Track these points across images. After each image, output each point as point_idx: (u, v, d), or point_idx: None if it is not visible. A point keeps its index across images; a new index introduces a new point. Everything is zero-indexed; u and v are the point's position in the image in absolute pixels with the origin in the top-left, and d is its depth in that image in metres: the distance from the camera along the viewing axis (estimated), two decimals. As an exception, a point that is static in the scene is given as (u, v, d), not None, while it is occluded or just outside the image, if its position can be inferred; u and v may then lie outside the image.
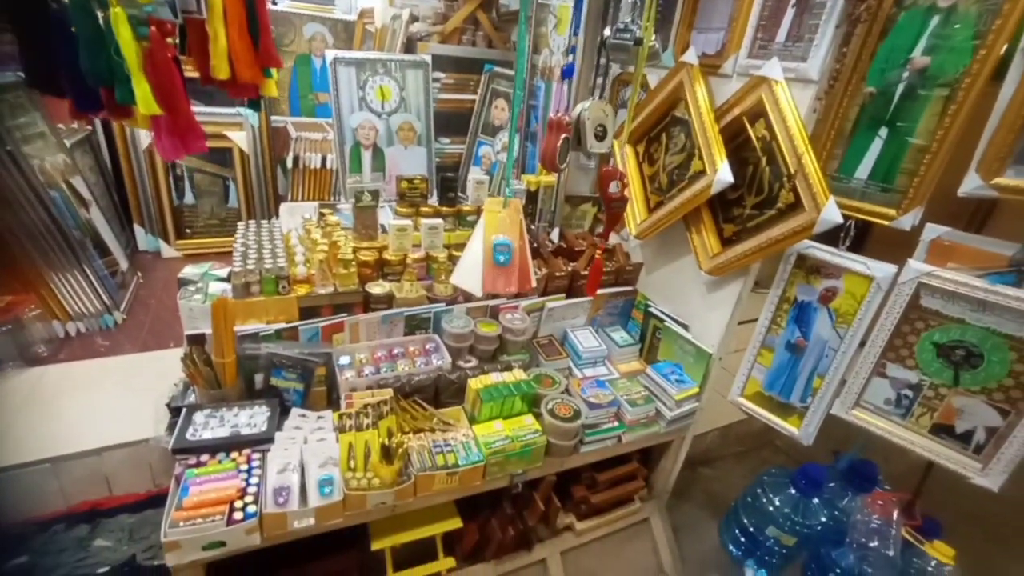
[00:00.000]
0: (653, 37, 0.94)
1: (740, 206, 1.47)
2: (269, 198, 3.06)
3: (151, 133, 0.89)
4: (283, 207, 2.28)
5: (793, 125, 1.25)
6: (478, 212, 1.90)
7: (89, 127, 2.72)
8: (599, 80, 1.02)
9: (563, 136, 0.96)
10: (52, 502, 1.49)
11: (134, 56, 0.78)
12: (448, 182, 1.84)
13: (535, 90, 2.18)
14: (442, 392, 1.49)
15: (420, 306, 1.57)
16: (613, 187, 1.09)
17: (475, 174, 2.50)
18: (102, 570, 1.33)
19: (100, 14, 0.76)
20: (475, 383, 1.45)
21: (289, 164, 2.78)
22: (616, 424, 1.57)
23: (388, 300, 1.55)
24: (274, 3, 3.17)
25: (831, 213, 1.16)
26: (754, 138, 1.41)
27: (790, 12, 1.28)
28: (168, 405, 1.48)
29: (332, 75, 2.21)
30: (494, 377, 1.49)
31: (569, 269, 1.78)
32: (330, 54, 2.20)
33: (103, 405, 1.70)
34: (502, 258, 0.92)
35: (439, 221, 1.71)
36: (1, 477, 1.41)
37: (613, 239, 2.09)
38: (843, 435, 1.42)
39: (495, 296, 1.56)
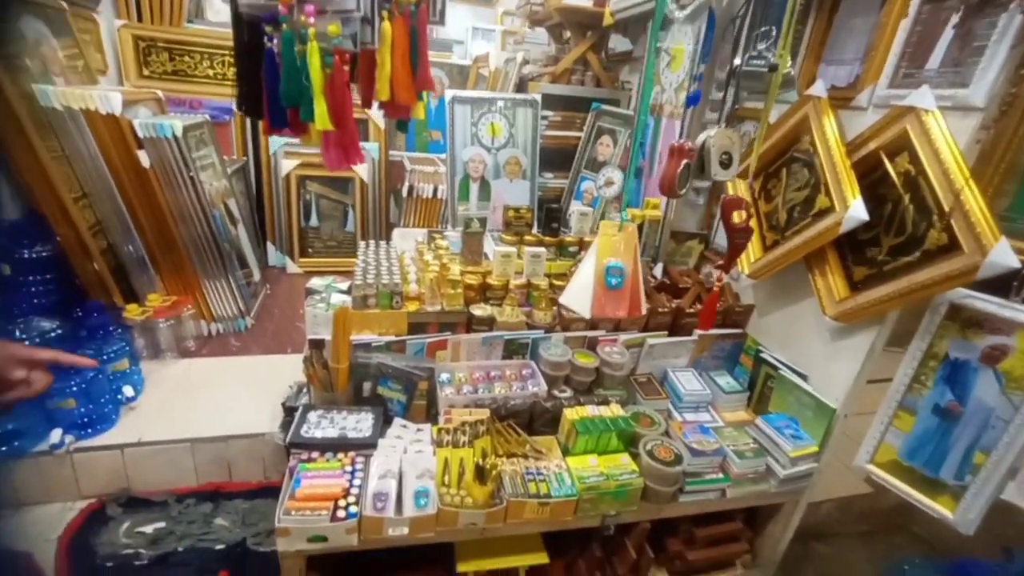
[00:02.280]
0: (789, 63, 0.90)
1: (875, 247, 1.34)
2: (381, 224, 3.32)
3: (321, 147, 1.03)
4: (396, 232, 2.45)
5: (948, 158, 1.12)
6: (580, 243, 1.91)
7: (245, 158, 3.17)
8: (725, 108, 0.99)
9: (684, 162, 0.94)
10: (186, 478, 1.68)
11: (319, 81, 0.92)
12: (552, 213, 1.87)
13: (643, 126, 2.19)
14: (536, 419, 1.48)
15: (519, 331, 1.59)
16: (737, 217, 1.04)
17: (577, 207, 2.54)
18: (220, 547, 1.46)
19: (298, 47, 0.91)
20: (571, 414, 1.43)
21: (404, 193, 3.01)
22: (720, 476, 1.45)
23: (489, 323, 1.59)
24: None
25: (1002, 256, 1.01)
26: (894, 173, 1.29)
27: (947, 35, 1.17)
28: (283, 405, 1.63)
29: (449, 112, 2.39)
30: (590, 410, 1.46)
31: (673, 306, 1.72)
32: (449, 93, 2.38)
33: (232, 398, 1.90)
34: (614, 281, 0.91)
35: (542, 250, 1.74)
36: (154, 449, 1.62)
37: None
38: (1019, 530, 1.18)
39: (595, 327, 1.54)
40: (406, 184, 2.95)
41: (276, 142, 3.15)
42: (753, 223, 1.10)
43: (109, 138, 2.05)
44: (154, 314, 2.09)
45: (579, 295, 0.94)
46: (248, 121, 3.21)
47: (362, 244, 1.77)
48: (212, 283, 2.38)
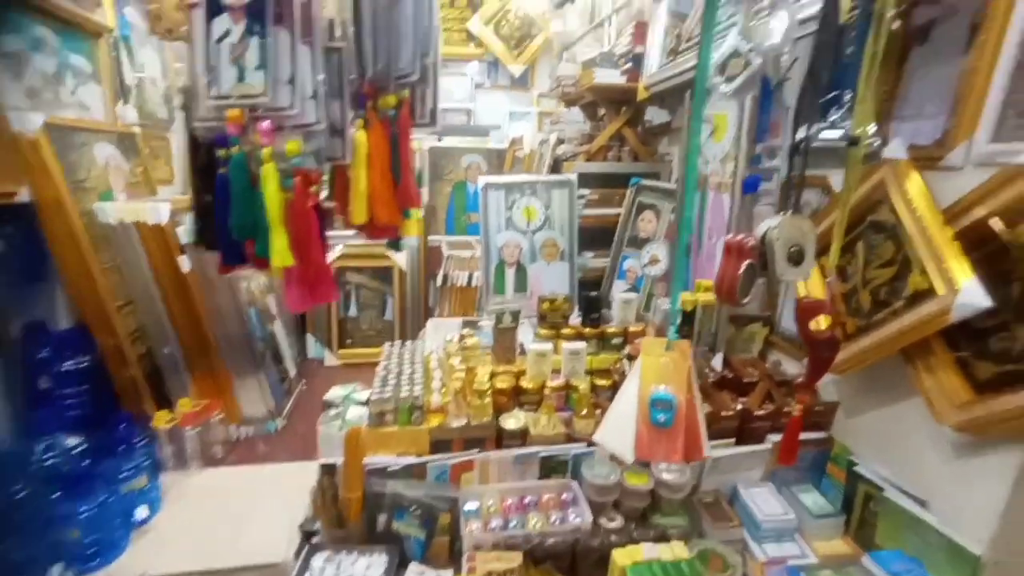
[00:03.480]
0: (871, 132, 0.72)
1: (1005, 338, 1.05)
2: (421, 312, 3.25)
3: (283, 284, 0.92)
4: (430, 323, 2.34)
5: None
6: (625, 334, 1.71)
7: (288, 253, 3.25)
8: (790, 194, 0.80)
9: (746, 262, 0.76)
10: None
11: (276, 208, 0.82)
12: (592, 302, 1.69)
13: (690, 201, 2.02)
14: (580, 561, 1.22)
15: (557, 445, 1.37)
16: (817, 324, 0.82)
17: (620, 290, 2.34)
18: None
19: (256, 170, 0.82)
20: (621, 557, 1.15)
21: (439, 282, 2.94)
22: (827, 645, 1.10)
23: (523, 436, 1.38)
24: (439, 140, 3.63)
25: None
26: (1017, 246, 1.03)
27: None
28: (300, 528, 1.45)
29: (483, 199, 2.34)
30: (645, 551, 1.18)
31: (739, 407, 1.45)
32: (482, 180, 2.34)
33: (252, 514, 1.75)
34: (662, 417, 0.70)
35: (582, 345, 1.55)
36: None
37: (794, 368, 1.70)
38: None
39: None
40: (440, 272, 2.88)
41: (318, 235, 3.23)
42: (829, 320, 0.86)
43: (155, 246, 2.12)
44: (182, 421, 2.03)
45: (618, 432, 0.74)
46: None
47: (386, 347, 1.64)
48: (243, 383, 2.32)
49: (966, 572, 1.08)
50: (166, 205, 2.14)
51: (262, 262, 0.92)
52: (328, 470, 1.28)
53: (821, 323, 0.81)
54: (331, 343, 3.21)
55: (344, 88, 0.84)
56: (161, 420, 1.99)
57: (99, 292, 1.99)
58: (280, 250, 0.84)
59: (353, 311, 3.26)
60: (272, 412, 2.36)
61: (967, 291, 1.04)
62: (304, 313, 3.30)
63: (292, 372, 2.76)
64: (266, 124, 0.79)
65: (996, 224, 1.05)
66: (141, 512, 1.67)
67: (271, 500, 1.84)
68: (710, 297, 1.71)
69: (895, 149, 1.23)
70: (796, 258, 0.76)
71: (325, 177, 1.02)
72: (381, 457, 1.30)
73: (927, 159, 1.22)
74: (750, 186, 0.91)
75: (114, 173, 2.30)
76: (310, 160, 0.85)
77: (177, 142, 3.13)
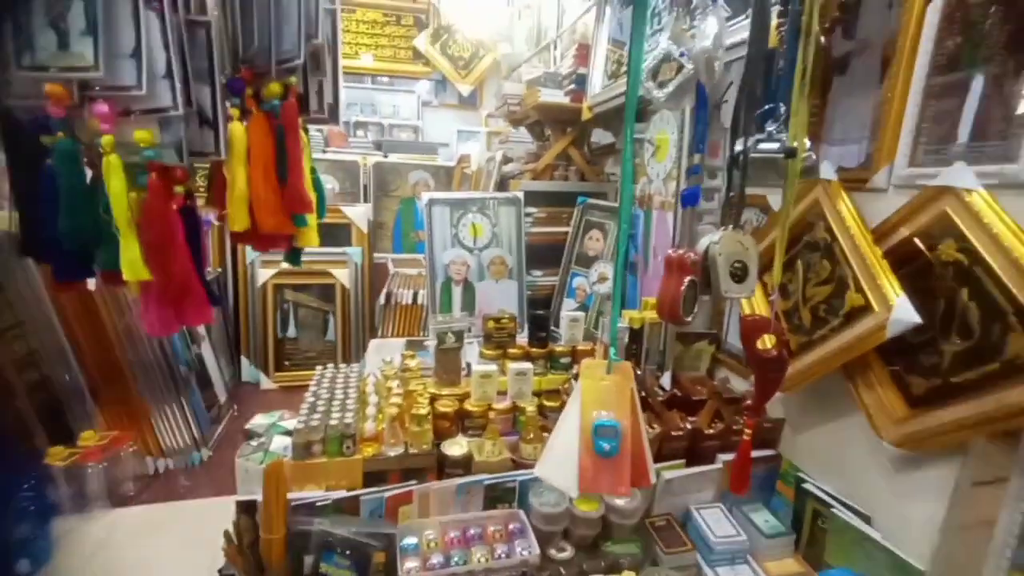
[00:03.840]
0: (807, 146, 0.72)
1: (933, 353, 1.08)
2: (365, 331, 3.10)
3: (140, 302, 0.78)
4: (372, 344, 2.22)
5: (1017, 245, 0.90)
6: (573, 353, 1.67)
7: (220, 269, 3.03)
8: (732, 206, 0.78)
9: (687, 279, 0.72)
10: None
11: (124, 211, 0.69)
12: (539, 320, 1.64)
13: (633, 219, 2.04)
14: (527, 598, 1.13)
15: (503, 473, 1.29)
16: (763, 343, 0.80)
17: (568, 308, 2.32)
18: None
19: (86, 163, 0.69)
20: (571, 592, 1.08)
21: (382, 300, 2.82)
22: (780, 673, 1.07)
23: (466, 464, 1.29)
24: (385, 157, 3.54)
25: None
26: (939, 264, 1.07)
27: (972, 107, 1.00)
28: (221, 572, 1.28)
29: (427, 215, 2.26)
30: (597, 583, 1.11)
31: (689, 427, 1.43)
32: (426, 196, 2.27)
33: (163, 562, 1.55)
34: (607, 446, 0.65)
35: (528, 365, 1.49)
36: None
37: (742, 385, 1.71)
38: None
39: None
40: (384, 290, 2.77)
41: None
42: (774, 339, 0.85)
43: (55, 261, 1.90)
44: (83, 456, 1.80)
45: (560, 465, 0.68)
46: (226, 231, 3.12)
47: (318, 371, 1.51)
48: (162, 412, 2.10)
49: (908, 587, 1.09)
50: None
51: (111, 276, 0.76)
52: (246, 508, 1.14)
53: (767, 342, 0.79)
54: (267, 366, 2.99)
55: (215, 71, 0.72)
56: (56, 457, 1.75)
57: (-20, 313, 1.74)
58: (131, 261, 0.69)
59: (292, 331, 3.06)
60: (196, 442, 2.15)
61: (899, 308, 1.06)
62: (237, 333, 3.07)
63: (222, 398, 2.54)
64: (103, 107, 0.65)
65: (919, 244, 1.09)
66: (22, 567, 1.44)
67: (188, 543, 1.64)
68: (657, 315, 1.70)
69: (826, 171, 1.27)
70: (740, 274, 0.74)
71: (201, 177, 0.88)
72: (307, 492, 1.17)
73: (855, 180, 1.27)
74: (689, 198, 0.89)
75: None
76: (170, 154, 0.71)
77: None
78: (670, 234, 1.71)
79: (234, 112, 0.78)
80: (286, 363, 3.08)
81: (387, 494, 1.20)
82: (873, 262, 1.15)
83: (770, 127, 0.72)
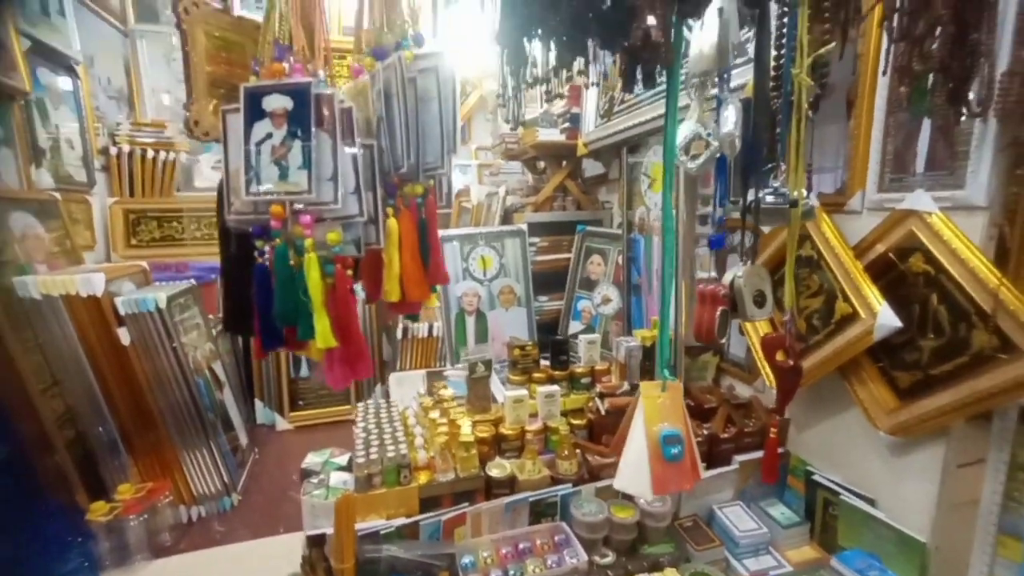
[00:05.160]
0: (806, 196, 0.88)
1: (914, 351, 1.25)
2: (376, 365, 3.18)
3: (323, 365, 0.93)
4: (393, 377, 2.32)
5: (971, 257, 1.08)
6: (592, 373, 1.80)
7: (230, 315, 3.10)
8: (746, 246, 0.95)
9: (720, 309, 0.88)
10: None
11: (319, 294, 0.85)
12: (559, 345, 1.78)
13: (632, 243, 2.21)
14: (581, 601, 1.24)
15: (544, 489, 1.40)
16: (781, 355, 0.95)
17: (576, 329, 2.46)
18: None
19: (294, 259, 0.85)
20: (623, 591, 1.20)
21: (399, 335, 2.92)
22: (812, 647, 1.19)
23: (510, 484, 1.41)
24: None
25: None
26: (911, 274, 1.25)
27: (924, 142, 1.20)
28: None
29: (439, 252, 2.40)
30: (644, 581, 1.23)
31: (706, 433, 1.57)
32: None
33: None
34: (675, 451, 0.78)
35: (556, 388, 1.62)
36: None
37: (746, 391, 1.87)
38: None
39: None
40: (400, 325, 2.88)
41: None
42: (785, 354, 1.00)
43: (88, 320, 1.97)
44: (123, 510, 1.84)
45: (634, 474, 0.81)
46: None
47: (360, 407, 1.62)
48: (193, 457, 2.16)
49: (915, 559, 1.23)
50: (100, 276, 2.01)
51: (300, 344, 0.92)
52: (316, 542, 1.24)
53: (783, 355, 0.94)
54: (282, 407, 3.04)
55: (376, 180, 0.89)
56: (98, 512, 1.80)
57: (20, 375, 1.81)
58: (324, 333, 0.85)
59: (304, 371, 3.13)
60: (227, 487, 2.20)
61: (883, 314, 1.23)
62: (250, 376, 3.12)
63: (244, 441, 2.59)
64: (307, 218, 0.82)
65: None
66: (81, 622, 1.49)
67: (235, 587, 1.70)
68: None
69: (810, 197, 1.46)
70: (760, 301, 0.90)
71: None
72: (371, 522, 1.27)
73: (833, 204, 1.46)
74: (716, 243, 1.06)
75: (32, 244, 2.13)
76: (350, 248, 0.88)
77: (99, 205, 2.95)
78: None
79: (389, 210, 0.93)
80: (300, 403, 3.14)
81: (443, 517, 1.31)
82: (856, 275, 1.32)
83: (774, 182, 0.89)
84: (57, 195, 2.36)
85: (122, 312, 2.01)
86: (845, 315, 1.36)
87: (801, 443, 1.61)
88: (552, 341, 1.80)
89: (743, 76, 1.33)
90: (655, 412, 0.82)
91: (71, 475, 1.89)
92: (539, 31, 0.83)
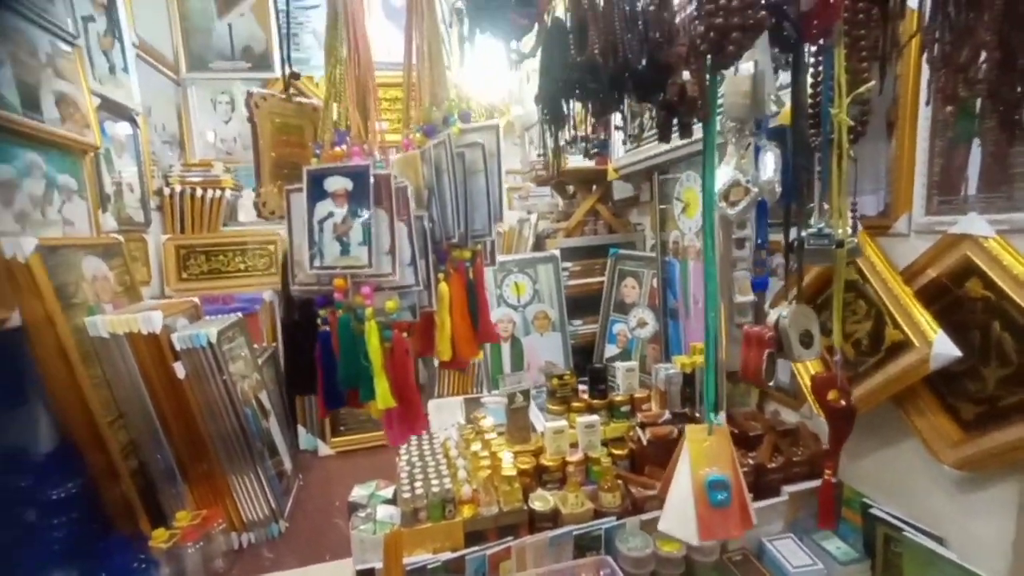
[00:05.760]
0: (850, 233, 0.87)
1: (977, 380, 1.19)
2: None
3: (383, 423, 0.98)
4: (431, 405, 2.35)
5: (1038, 285, 1.04)
6: (632, 401, 1.78)
7: (275, 344, 3.22)
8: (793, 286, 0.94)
9: (767, 352, 0.87)
10: None
11: (379, 358, 0.90)
12: (597, 373, 1.78)
13: (667, 266, 2.19)
14: (631, 642, 1.22)
15: (588, 523, 1.39)
16: (833, 395, 0.93)
17: (612, 351, 2.45)
18: None
19: (355, 326, 0.92)
20: (673, 632, 1.17)
21: (436, 361, 2.96)
22: None
23: (554, 517, 1.40)
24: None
25: None
26: (967, 300, 1.20)
27: (975, 164, 1.16)
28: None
29: (474, 279, 2.44)
30: (695, 622, 1.20)
31: (752, 462, 1.53)
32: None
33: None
34: (721, 497, 0.77)
35: (595, 418, 1.62)
36: None
37: (792, 416, 1.81)
38: None
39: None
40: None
41: (305, 323, 3.23)
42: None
43: (148, 355, 2.09)
44: (182, 537, 1.92)
45: (679, 518, 0.80)
46: (277, 309, 3.32)
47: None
48: (243, 484, 2.23)
49: (990, 604, 1.16)
50: (158, 314, 2.13)
51: (361, 404, 0.98)
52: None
53: (835, 394, 0.92)
54: (324, 433, 3.12)
55: (428, 248, 0.96)
56: (159, 540, 1.88)
57: (90, 409, 1.92)
58: (384, 394, 0.91)
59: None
60: (274, 514, 2.26)
61: (940, 343, 1.18)
62: (292, 403, 3.22)
63: (288, 467, 2.66)
64: (367, 289, 0.89)
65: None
66: (145, 650, 1.55)
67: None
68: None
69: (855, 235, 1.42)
70: (807, 341, 0.88)
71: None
72: (418, 556, 1.29)
73: (876, 227, 1.42)
74: (759, 285, 1.06)
75: (101, 285, 2.28)
76: (406, 314, 0.95)
77: (153, 243, 3.14)
78: (708, 282, 1.86)
79: (440, 275, 0.99)
80: (341, 428, 3.20)
81: (489, 551, 1.31)
82: (906, 301, 1.28)
83: (819, 223, 0.88)
84: (120, 237, 2.52)
85: (178, 347, 2.11)
86: (896, 342, 1.31)
87: (854, 472, 1.55)
88: (590, 369, 1.80)
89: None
90: (701, 456, 0.81)
91: (135, 503, 1.98)
92: (578, 92, 0.86)
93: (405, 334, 0.94)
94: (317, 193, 0.91)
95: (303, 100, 1.27)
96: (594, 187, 2.74)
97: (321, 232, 0.88)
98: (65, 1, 2.18)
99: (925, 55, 0.81)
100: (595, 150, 2.62)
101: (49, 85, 2.06)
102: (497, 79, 4.30)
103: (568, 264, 2.63)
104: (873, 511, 1.43)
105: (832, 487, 0.98)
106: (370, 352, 0.88)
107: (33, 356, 1.81)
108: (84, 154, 2.31)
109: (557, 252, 2.52)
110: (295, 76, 1.46)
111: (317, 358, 0.99)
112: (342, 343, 0.92)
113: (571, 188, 3.04)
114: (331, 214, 0.89)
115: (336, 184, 0.90)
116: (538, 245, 2.80)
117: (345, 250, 0.87)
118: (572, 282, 2.64)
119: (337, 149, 0.96)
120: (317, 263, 0.91)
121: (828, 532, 1.53)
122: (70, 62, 2.20)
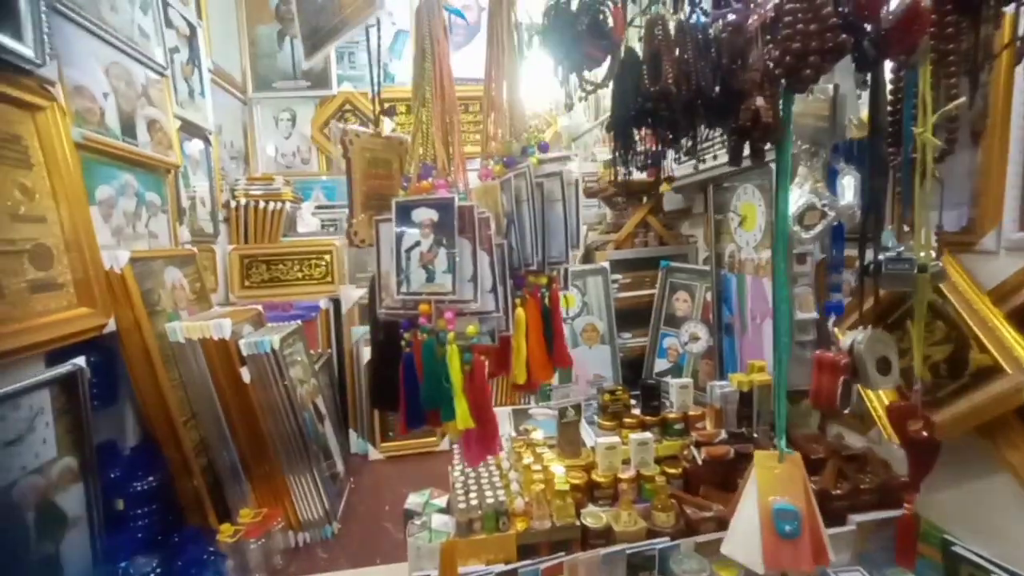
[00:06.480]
0: (933, 257, 0.83)
1: (1078, 413, 1.10)
2: (460, 398, 3.28)
3: (461, 443, 1.02)
4: (480, 414, 2.38)
5: None
6: (685, 419, 1.75)
7: (329, 350, 3.35)
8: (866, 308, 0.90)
9: (843, 379, 0.84)
10: None
11: (459, 381, 0.95)
12: (650, 389, 1.75)
13: (723, 280, 2.13)
14: (687, 669, 1.19)
15: (642, 542, 1.37)
16: (913, 425, 0.88)
17: (662, 365, 2.40)
18: None
19: (437, 349, 0.96)
20: (734, 663, 1.13)
21: (484, 371, 2.99)
22: None
23: (606, 534, 1.39)
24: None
25: None
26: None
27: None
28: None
29: (523, 291, 2.46)
30: (756, 653, 1.15)
31: (814, 487, 1.46)
32: (521, 273, 2.48)
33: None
34: (788, 528, 0.75)
35: (649, 435, 1.59)
36: None
37: (857, 440, 1.72)
38: None
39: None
40: (484, 360, 2.95)
41: (357, 331, 3.34)
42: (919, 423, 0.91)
43: (218, 359, 2.22)
44: (246, 533, 2.03)
45: (744, 544, 0.78)
46: (332, 316, 3.46)
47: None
48: (300, 484, 2.33)
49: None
50: (227, 321, 2.27)
51: (440, 423, 1.03)
52: (421, 584, 1.29)
53: (917, 425, 0.87)
54: (374, 437, 3.21)
55: (507, 275, 1.01)
56: (226, 534, 1.99)
57: (169, 408, 2.07)
58: (463, 416, 0.96)
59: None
60: (328, 515, 2.35)
61: (1034, 371, 1.10)
62: (344, 408, 3.34)
63: (340, 468, 2.76)
64: (450, 314, 0.95)
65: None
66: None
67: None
68: (765, 377, 1.77)
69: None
70: (884, 369, 0.84)
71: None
72: (472, 567, 1.31)
73: (958, 243, 1.33)
74: (835, 310, 1.02)
75: (178, 293, 2.45)
76: (486, 339, 1.00)
77: (220, 252, 3.34)
78: (767, 298, 1.80)
79: (517, 301, 1.03)
80: (390, 433, 3.29)
81: (541, 566, 1.32)
82: (996, 324, 1.20)
83: (897, 246, 0.84)
84: (194, 248, 2.71)
85: (244, 353, 2.24)
86: (983, 367, 1.23)
87: (931, 505, 1.45)
88: (642, 385, 1.78)
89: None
90: (769, 484, 0.79)
91: (204, 498, 2.12)
92: (650, 120, 0.86)
93: (483, 358, 0.97)
94: (405, 222, 0.96)
95: (392, 135, 1.35)
96: (645, 198, 2.71)
97: (408, 260, 0.93)
98: (158, 36, 2.39)
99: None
100: (648, 162, 2.59)
101: (143, 112, 2.27)
102: (544, 89, 4.31)
103: (617, 276, 2.61)
104: (957, 549, 1.33)
105: (913, 523, 0.92)
106: (451, 374, 0.92)
107: (124, 359, 1.97)
108: (167, 173, 2.51)
109: (607, 265, 2.50)
110: (388, 112, 1.53)
111: (401, 378, 1.03)
112: (426, 365, 0.96)
113: (621, 199, 3.02)
114: (417, 243, 0.93)
115: (423, 215, 0.95)
116: (587, 256, 2.79)
117: (430, 277, 0.92)
118: (621, 294, 2.61)
119: (424, 182, 1.02)
120: (404, 289, 0.96)
121: (901, 569, 1.44)
122: (159, 91, 2.41)
